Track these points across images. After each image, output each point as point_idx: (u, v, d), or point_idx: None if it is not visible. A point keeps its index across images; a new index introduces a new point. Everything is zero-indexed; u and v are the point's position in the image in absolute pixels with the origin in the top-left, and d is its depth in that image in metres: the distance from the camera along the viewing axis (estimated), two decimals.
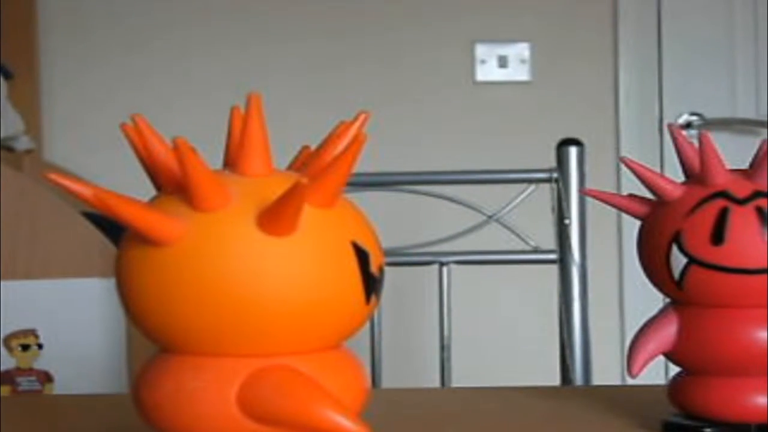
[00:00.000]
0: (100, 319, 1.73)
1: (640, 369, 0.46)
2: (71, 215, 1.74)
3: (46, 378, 1.77)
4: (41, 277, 1.72)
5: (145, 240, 0.39)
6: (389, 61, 2.27)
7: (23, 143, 2.04)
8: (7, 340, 1.75)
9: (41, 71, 2.32)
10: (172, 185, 0.40)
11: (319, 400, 0.38)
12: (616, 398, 0.62)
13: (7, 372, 1.75)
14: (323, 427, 0.38)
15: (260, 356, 0.39)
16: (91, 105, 2.35)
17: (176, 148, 0.38)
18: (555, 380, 1.30)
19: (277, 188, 0.39)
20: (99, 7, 2.34)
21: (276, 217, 0.39)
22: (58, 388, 1.75)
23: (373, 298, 0.41)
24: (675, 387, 0.49)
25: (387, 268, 0.43)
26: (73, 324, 1.72)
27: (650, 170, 0.51)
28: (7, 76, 2.01)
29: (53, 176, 0.39)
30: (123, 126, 0.41)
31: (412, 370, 1.95)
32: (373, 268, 0.41)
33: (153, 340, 0.41)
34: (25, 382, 1.78)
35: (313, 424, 0.38)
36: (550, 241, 1.25)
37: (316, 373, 0.40)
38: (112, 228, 1.74)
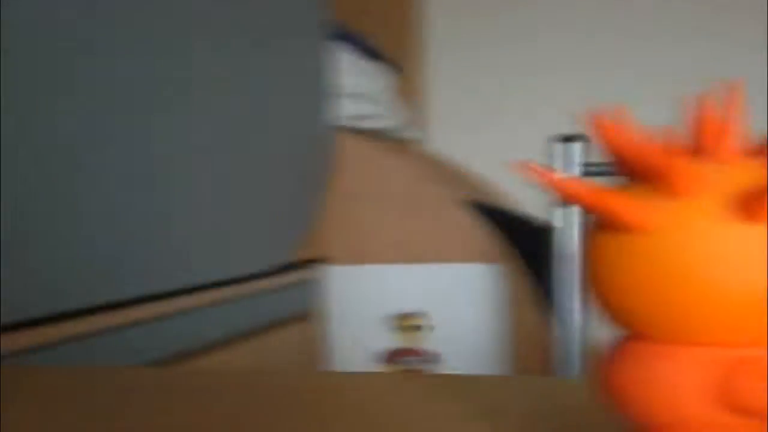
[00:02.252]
0: (484, 303, 1.78)
1: None
2: (454, 203, 1.81)
3: (435, 358, 1.86)
4: (431, 261, 1.80)
5: (618, 226, 0.39)
6: None
7: (410, 134, 2.15)
8: (397, 320, 1.85)
9: (424, 65, 2.43)
10: (642, 173, 0.40)
11: None
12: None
13: (396, 351, 1.86)
14: None
15: (738, 346, 0.39)
16: (468, 95, 2.42)
17: (648, 139, 0.38)
18: None
19: (749, 174, 0.38)
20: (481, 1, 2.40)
21: (752, 203, 0.38)
22: (445, 368, 1.83)
23: None
24: None
25: None
26: (458, 307, 1.79)
27: None
28: (397, 70, 2.13)
29: (526, 167, 0.41)
30: (591, 118, 0.41)
31: None
32: None
33: (620, 324, 0.41)
34: (414, 362, 1.87)
35: None
36: None
37: None
38: (496, 217, 1.78)
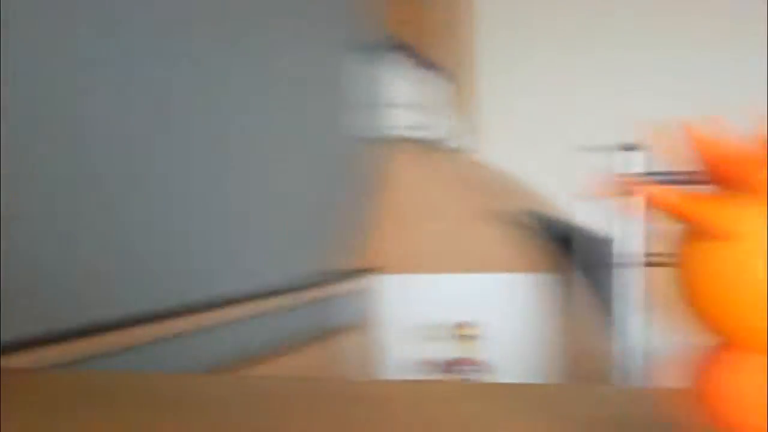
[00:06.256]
0: (535, 313, 1.78)
1: None
2: (506, 213, 1.81)
3: (487, 368, 1.85)
4: (482, 270, 1.80)
5: (707, 235, 0.40)
6: None
7: (462, 143, 2.15)
8: (449, 330, 1.85)
9: (476, 75, 2.42)
10: (727, 180, 0.40)
11: None
12: None
13: (451, 360, 1.86)
14: None
15: None
16: (520, 105, 2.42)
17: (741, 150, 0.39)
18: None
19: None
20: None
21: None
22: (497, 378, 1.83)
23: None
24: None
25: None
26: (509, 316, 1.79)
27: None
28: (449, 80, 2.12)
29: (601, 178, 0.41)
30: (686, 128, 0.42)
31: None
32: None
33: (714, 333, 0.42)
34: (468, 371, 1.87)
35: None
36: None
37: None
38: (551, 227, 1.78)
